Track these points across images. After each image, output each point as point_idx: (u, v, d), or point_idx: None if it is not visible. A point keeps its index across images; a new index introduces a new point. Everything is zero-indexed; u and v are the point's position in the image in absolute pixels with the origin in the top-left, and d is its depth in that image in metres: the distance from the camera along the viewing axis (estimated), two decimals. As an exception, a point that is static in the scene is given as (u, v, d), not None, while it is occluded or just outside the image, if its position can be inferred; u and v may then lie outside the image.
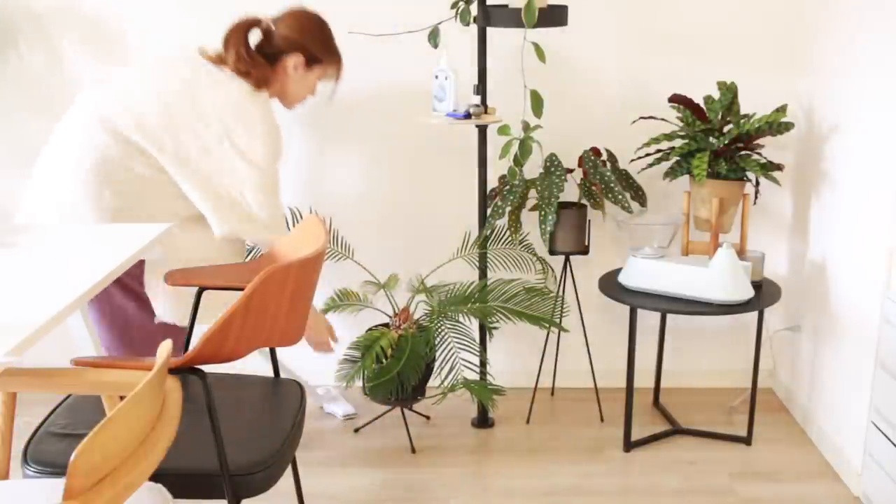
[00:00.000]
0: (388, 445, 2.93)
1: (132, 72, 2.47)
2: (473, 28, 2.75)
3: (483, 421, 3.07)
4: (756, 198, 2.97)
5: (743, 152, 2.80)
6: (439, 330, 2.81)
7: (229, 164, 2.37)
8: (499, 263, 3.07)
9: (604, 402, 3.20)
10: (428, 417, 3.11)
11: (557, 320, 3.04)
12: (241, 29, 2.48)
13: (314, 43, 2.53)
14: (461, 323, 2.86)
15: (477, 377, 3.00)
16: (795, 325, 3.12)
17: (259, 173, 2.38)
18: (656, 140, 2.82)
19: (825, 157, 2.85)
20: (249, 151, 2.37)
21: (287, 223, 2.72)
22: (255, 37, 2.51)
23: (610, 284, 2.89)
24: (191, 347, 2.09)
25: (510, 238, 2.96)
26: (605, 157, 2.99)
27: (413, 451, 2.88)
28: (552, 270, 3.04)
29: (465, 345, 2.83)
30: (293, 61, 2.51)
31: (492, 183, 3.02)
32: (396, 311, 2.92)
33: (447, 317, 2.84)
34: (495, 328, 2.98)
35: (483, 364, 2.98)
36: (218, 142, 2.36)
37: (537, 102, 2.54)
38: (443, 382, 2.78)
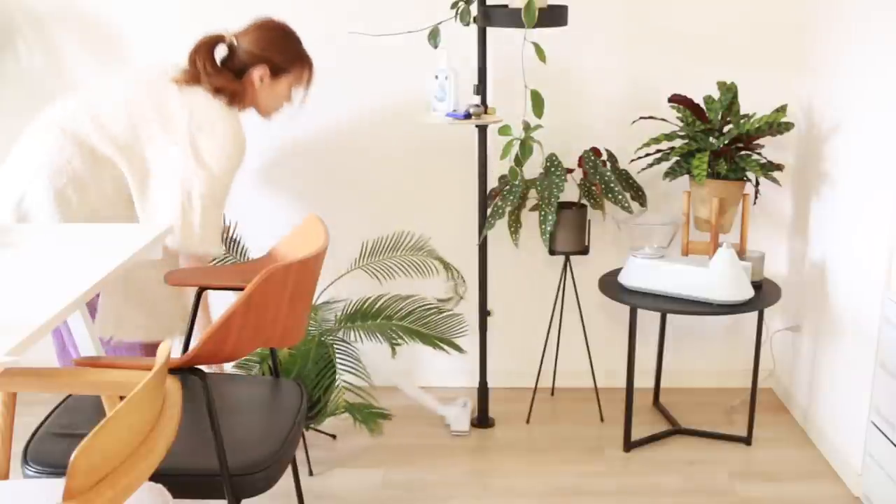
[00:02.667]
0: (388, 445, 2.93)
1: (101, 83, 2.53)
2: (473, 28, 2.75)
3: (483, 421, 3.07)
4: (756, 198, 2.97)
5: (743, 152, 2.80)
6: (329, 349, 2.65)
7: (182, 164, 2.40)
8: (400, 271, 3.00)
9: (604, 402, 3.20)
10: (334, 437, 2.95)
11: (454, 339, 2.87)
12: (206, 46, 2.51)
13: (277, 53, 2.54)
14: (346, 343, 2.73)
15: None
16: (795, 325, 3.12)
17: (210, 180, 2.41)
18: (656, 140, 2.82)
19: (825, 157, 2.85)
20: (207, 156, 2.40)
21: (223, 238, 2.64)
22: (221, 52, 2.54)
23: (610, 284, 2.89)
24: (191, 347, 2.09)
25: (511, 238, 2.95)
26: (605, 157, 2.99)
27: (310, 473, 2.72)
28: (460, 275, 2.92)
29: (349, 367, 2.70)
30: (258, 73, 2.53)
31: (492, 183, 3.02)
32: None
33: (334, 335, 2.71)
34: (398, 345, 2.86)
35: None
36: (175, 143, 2.41)
37: (538, 102, 2.54)
38: (323, 405, 2.69)
